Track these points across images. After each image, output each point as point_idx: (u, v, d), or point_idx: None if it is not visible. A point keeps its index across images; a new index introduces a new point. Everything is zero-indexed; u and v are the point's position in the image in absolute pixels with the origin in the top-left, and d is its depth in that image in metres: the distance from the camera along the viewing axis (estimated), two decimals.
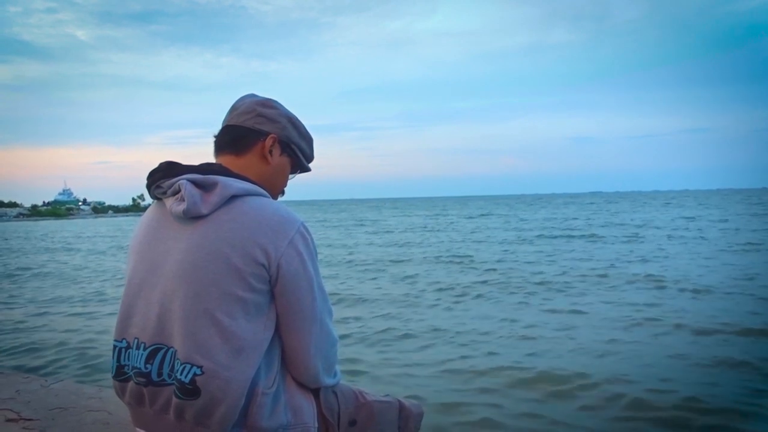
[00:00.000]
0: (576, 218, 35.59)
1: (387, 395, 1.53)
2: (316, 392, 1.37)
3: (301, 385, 1.33)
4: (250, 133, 1.34)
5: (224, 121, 1.39)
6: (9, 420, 2.04)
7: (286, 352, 1.28)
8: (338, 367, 1.44)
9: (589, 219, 34.48)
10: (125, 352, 1.25)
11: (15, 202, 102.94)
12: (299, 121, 1.43)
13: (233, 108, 1.39)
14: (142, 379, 1.21)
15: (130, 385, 1.24)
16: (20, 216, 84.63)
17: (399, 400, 1.52)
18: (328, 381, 1.38)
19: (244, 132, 1.34)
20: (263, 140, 1.35)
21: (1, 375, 2.67)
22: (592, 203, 76.20)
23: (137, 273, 1.27)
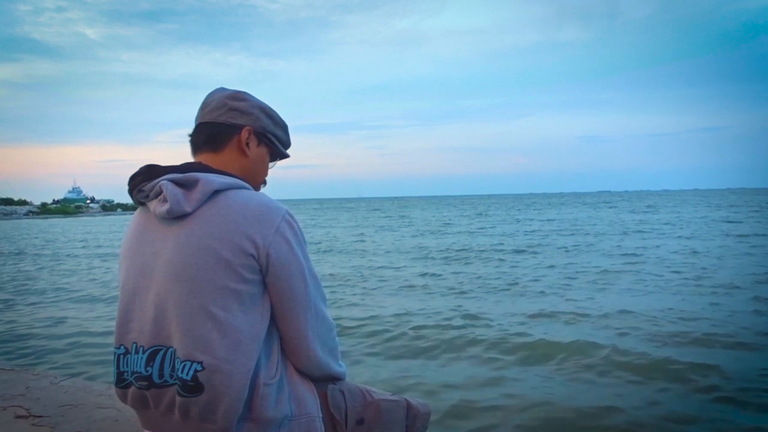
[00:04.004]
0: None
1: (394, 394, 1.53)
2: (320, 387, 1.37)
3: (303, 376, 1.32)
4: (224, 129, 1.34)
5: (196, 118, 1.38)
6: (19, 416, 2.06)
7: (285, 341, 1.28)
8: (342, 361, 1.44)
9: None
10: (124, 359, 1.26)
11: (25, 200, 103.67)
12: (272, 109, 1.43)
13: (204, 104, 1.38)
14: (143, 383, 1.21)
15: (132, 390, 1.25)
16: (30, 214, 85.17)
17: (406, 399, 1.52)
18: (335, 367, 1.38)
19: (218, 128, 1.34)
20: (239, 134, 1.35)
21: (12, 372, 2.70)
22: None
23: (129, 279, 1.27)
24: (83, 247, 23.91)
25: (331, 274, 12.31)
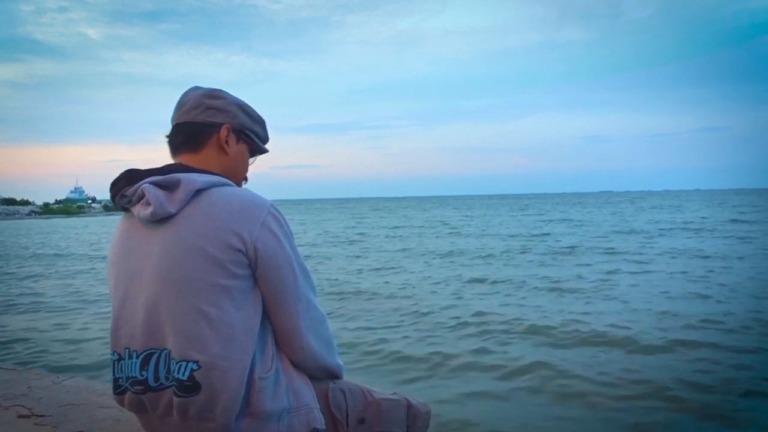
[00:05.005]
0: None
1: (394, 393, 1.53)
2: (320, 386, 1.37)
3: (298, 369, 1.32)
4: (203, 128, 1.34)
5: (173, 119, 1.37)
6: (21, 416, 2.07)
7: (278, 334, 1.28)
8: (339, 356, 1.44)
9: None
10: (118, 365, 1.26)
11: (27, 200, 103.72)
12: (249, 106, 1.43)
13: (180, 104, 1.37)
14: (139, 387, 1.22)
15: (128, 395, 1.25)
16: (32, 214, 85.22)
17: (407, 399, 1.52)
18: (330, 359, 1.38)
19: (196, 127, 1.34)
20: (217, 132, 1.34)
21: (14, 371, 2.71)
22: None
23: (119, 285, 1.27)
24: (87, 246, 23.96)
25: (336, 279, 12.13)
